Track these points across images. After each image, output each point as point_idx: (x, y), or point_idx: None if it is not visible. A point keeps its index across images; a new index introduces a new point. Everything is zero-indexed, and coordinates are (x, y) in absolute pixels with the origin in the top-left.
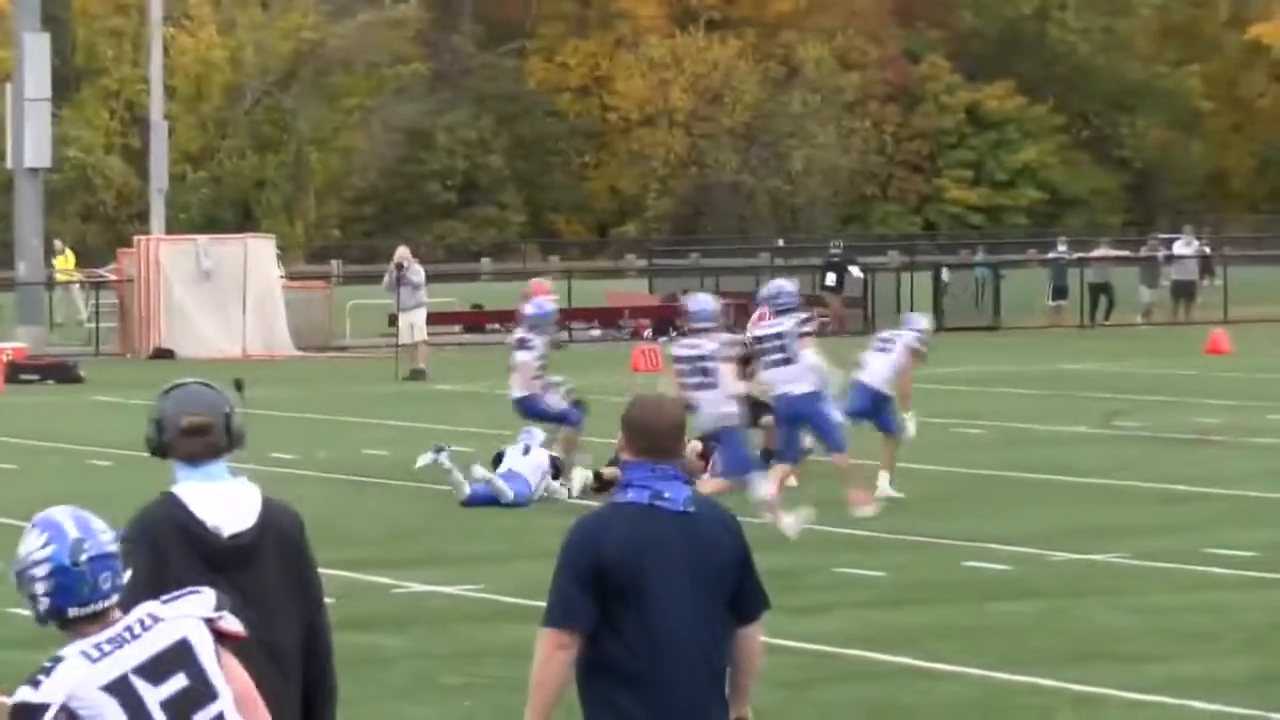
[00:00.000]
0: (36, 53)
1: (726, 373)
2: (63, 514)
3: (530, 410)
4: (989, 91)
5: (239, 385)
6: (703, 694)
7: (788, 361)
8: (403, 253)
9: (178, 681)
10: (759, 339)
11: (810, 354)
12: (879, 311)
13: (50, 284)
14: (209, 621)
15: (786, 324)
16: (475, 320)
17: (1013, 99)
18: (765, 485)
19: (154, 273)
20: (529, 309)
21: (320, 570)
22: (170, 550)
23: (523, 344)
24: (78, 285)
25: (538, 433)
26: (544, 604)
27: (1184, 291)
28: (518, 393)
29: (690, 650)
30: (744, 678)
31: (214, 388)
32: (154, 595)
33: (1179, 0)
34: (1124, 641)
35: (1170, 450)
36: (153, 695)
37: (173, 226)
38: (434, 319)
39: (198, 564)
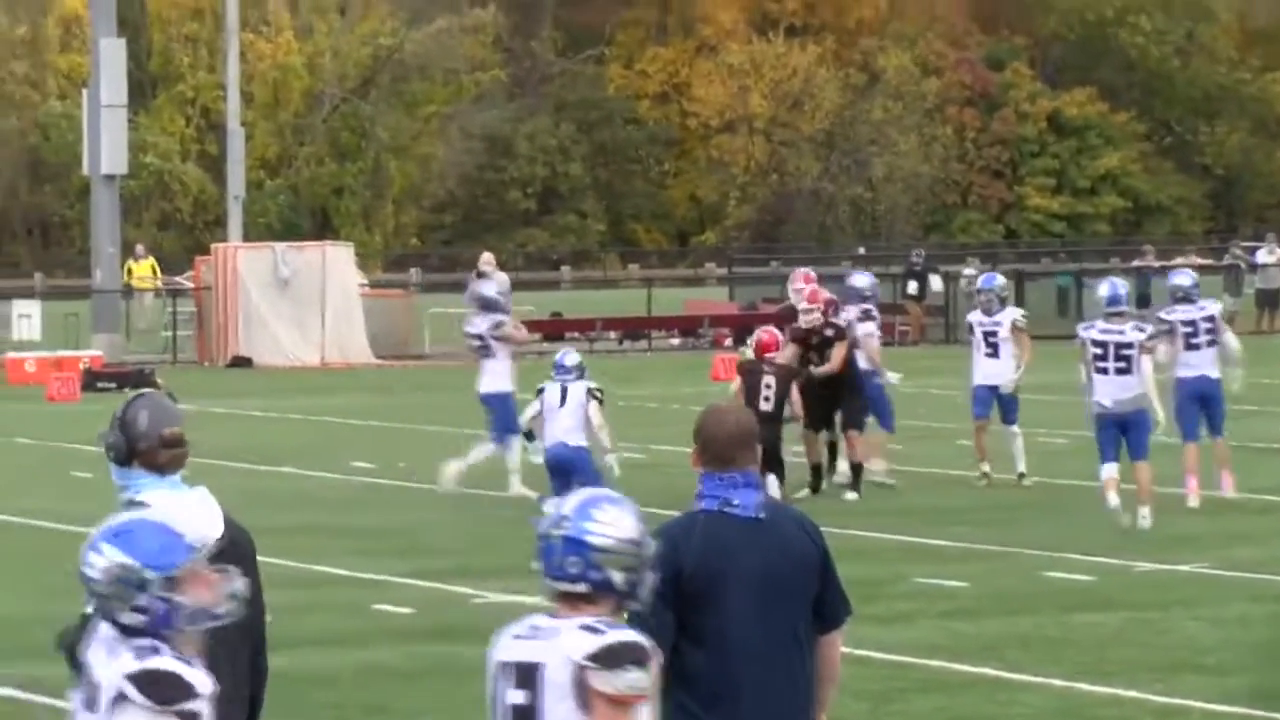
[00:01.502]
0: (112, 59)
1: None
2: None
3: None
4: (1070, 98)
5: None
6: (781, 703)
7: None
8: (486, 258)
9: None
10: None
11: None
12: (960, 320)
13: (127, 292)
14: None
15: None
16: (555, 328)
17: (1094, 105)
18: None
19: (232, 280)
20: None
21: (399, 580)
22: None
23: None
24: (152, 293)
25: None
26: None
27: (1267, 300)
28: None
29: (766, 658)
30: (824, 687)
31: (174, 398)
32: None
33: (1262, 5)
34: (1207, 653)
35: (1254, 459)
36: None
37: (250, 234)
38: None
39: None
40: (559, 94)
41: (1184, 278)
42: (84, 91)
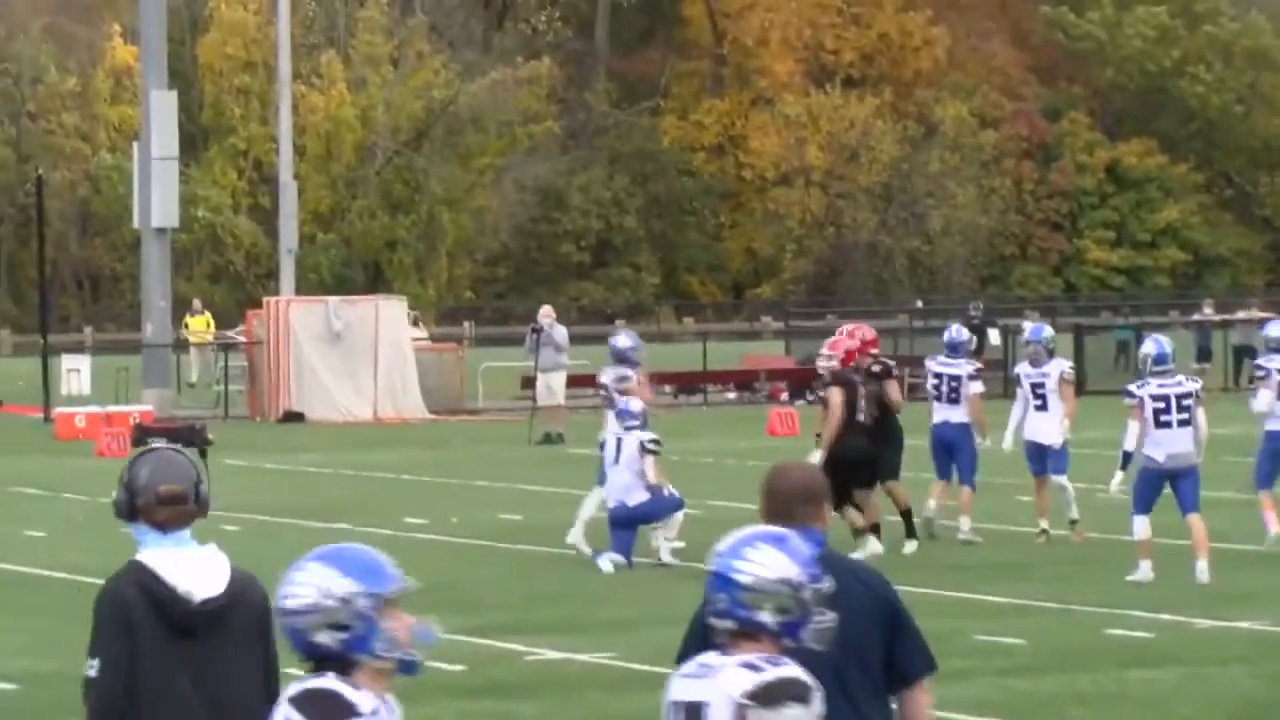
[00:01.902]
0: (163, 111)
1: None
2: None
3: None
4: (1128, 149)
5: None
6: None
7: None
8: (545, 311)
9: None
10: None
11: None
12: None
13: (178, 346)
14: None
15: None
16: (580, 382)
17: (1153, 157)
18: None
19: (284, 334)
20: None
21: (450, 636)
22: (139, 619)
23: None
24: (210, 347)
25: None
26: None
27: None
28: None
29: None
30: None
31: (185, 454)
32: (124, 664)
33: None
34: (1267, 711)
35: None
36: None
37: (302, 287)
38: (568, 382)
39: (165, 630)
40: (613, 146)
41: (1277, 328)
42: (135, 144)
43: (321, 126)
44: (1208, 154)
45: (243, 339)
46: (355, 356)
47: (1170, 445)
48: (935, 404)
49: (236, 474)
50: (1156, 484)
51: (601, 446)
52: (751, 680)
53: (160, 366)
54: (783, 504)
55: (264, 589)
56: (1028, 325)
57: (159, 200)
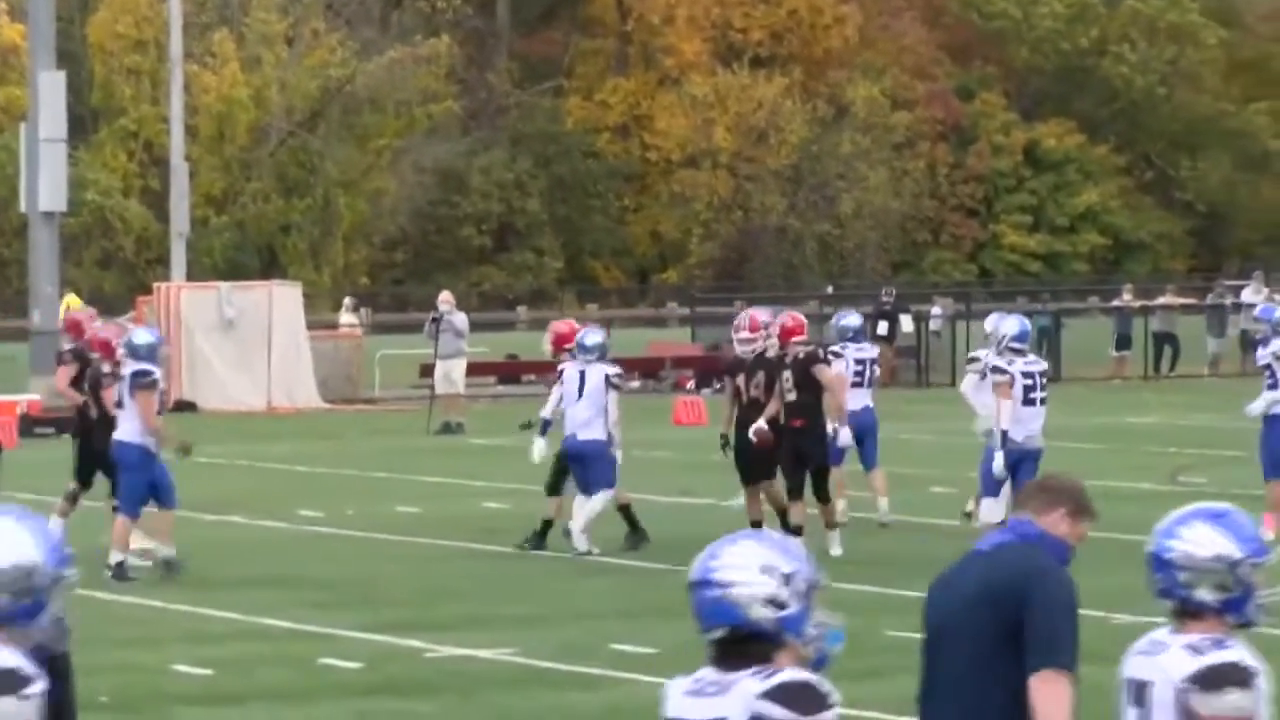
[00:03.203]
0: (51, 92)
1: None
2: None
3: None
4: (1046, 130)
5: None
6: None
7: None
8: (445, 297)
9: None
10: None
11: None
12: (930, 362)
13: None
14: None
15: None
16: (511, 371)
17: (1072, 138)
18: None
19: (175, 322)
20: None
21: (349, 633)
22: None
23: None
24: None
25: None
26: (580, 669)
27: (1254, 341)
28: None
29: (934, 694)
30: None
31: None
32: None
33: (1250, 35)
34: None
35: (1239, 507)
36: None
37: (194, 273)
38: (468, 370)
39: None
40: (515, 127)
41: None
42: (22, 125)
43: (214, 107)
44: (1129, 135)
45: (133, 326)
46: (248, 344)
47: (1031, 424)
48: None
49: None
50: (1012, 465)
51: (560, 375)
52: (1193, 664)
53: (48, 355)
54: (1023, 496)
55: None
56: (936, 311)
57: (47, 183)
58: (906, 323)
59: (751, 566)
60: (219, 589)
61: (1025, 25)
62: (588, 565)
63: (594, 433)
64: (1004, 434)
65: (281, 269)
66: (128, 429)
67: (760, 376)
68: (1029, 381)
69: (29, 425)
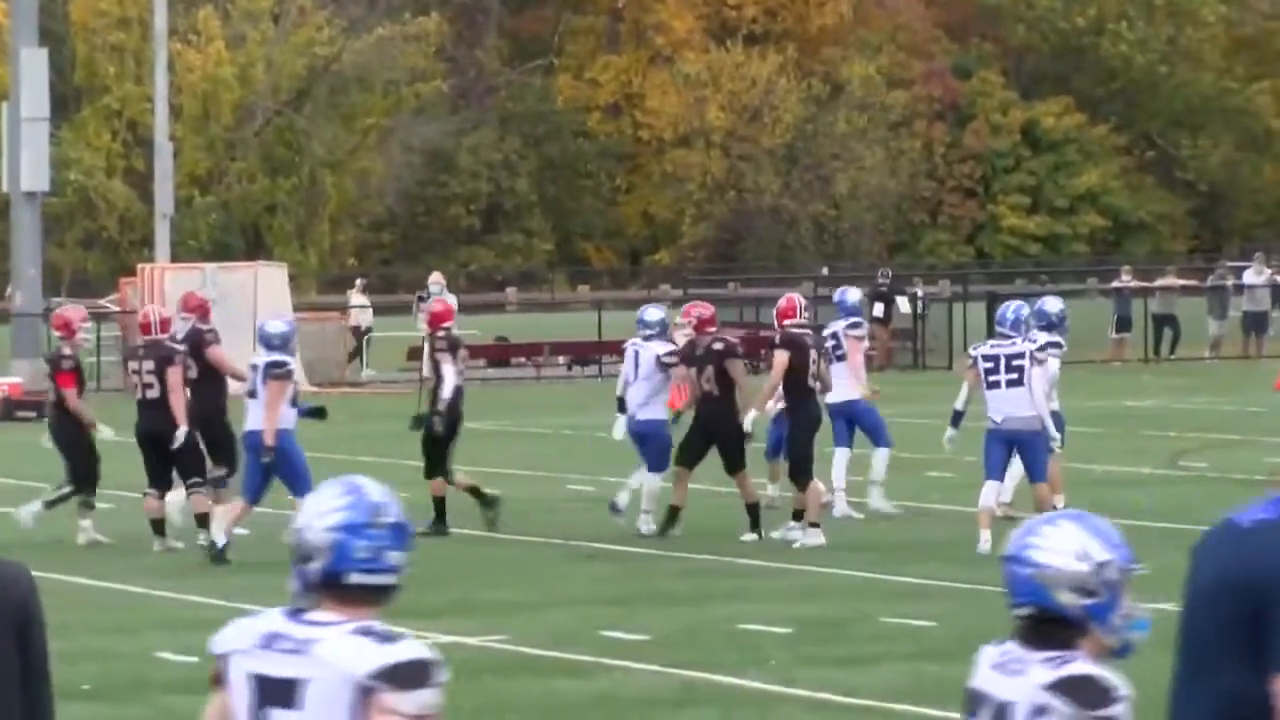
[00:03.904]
0: (34, 70)
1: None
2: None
3: None
4: (1045, 108)
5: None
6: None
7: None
8: (435, 278)
9: None
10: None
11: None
12: (929, 345)
13: (49, 315)
14: None
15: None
16: (500, 354)
17: (1071, 117)
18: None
19: (159, 303)
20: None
21: None
22: None
23: None
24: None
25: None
26: (570, 656)
27: (1254, 323)
28: None
29: (1182, 677)
30: None
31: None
32: None
33: (1250, 12)
34: None
35: (1239, 492)
36: None
37: (179, 254)
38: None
39: None
40: (505, 106)
41: None
42: (3, 104)
43: (199, 86)
44: (1129, 115)
45: (116, 308)
46: (233, 326)
47: (1001, 406)
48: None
49: (110, 450)
50: (999, 447)
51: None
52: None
53: (30, 337)
54: None
55: (30, 582)
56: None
57: (29, 163)
58: (903, 304)
59: (1067, 550)
60: (202, 575)
61: (1023, 3)
62: (578, 551)
63: (650, 412)
64: (956, 414)
65: (267, 250)
66: (258, 418)
67: (710, 370)
68: (989, 365)
69: (10, 409)
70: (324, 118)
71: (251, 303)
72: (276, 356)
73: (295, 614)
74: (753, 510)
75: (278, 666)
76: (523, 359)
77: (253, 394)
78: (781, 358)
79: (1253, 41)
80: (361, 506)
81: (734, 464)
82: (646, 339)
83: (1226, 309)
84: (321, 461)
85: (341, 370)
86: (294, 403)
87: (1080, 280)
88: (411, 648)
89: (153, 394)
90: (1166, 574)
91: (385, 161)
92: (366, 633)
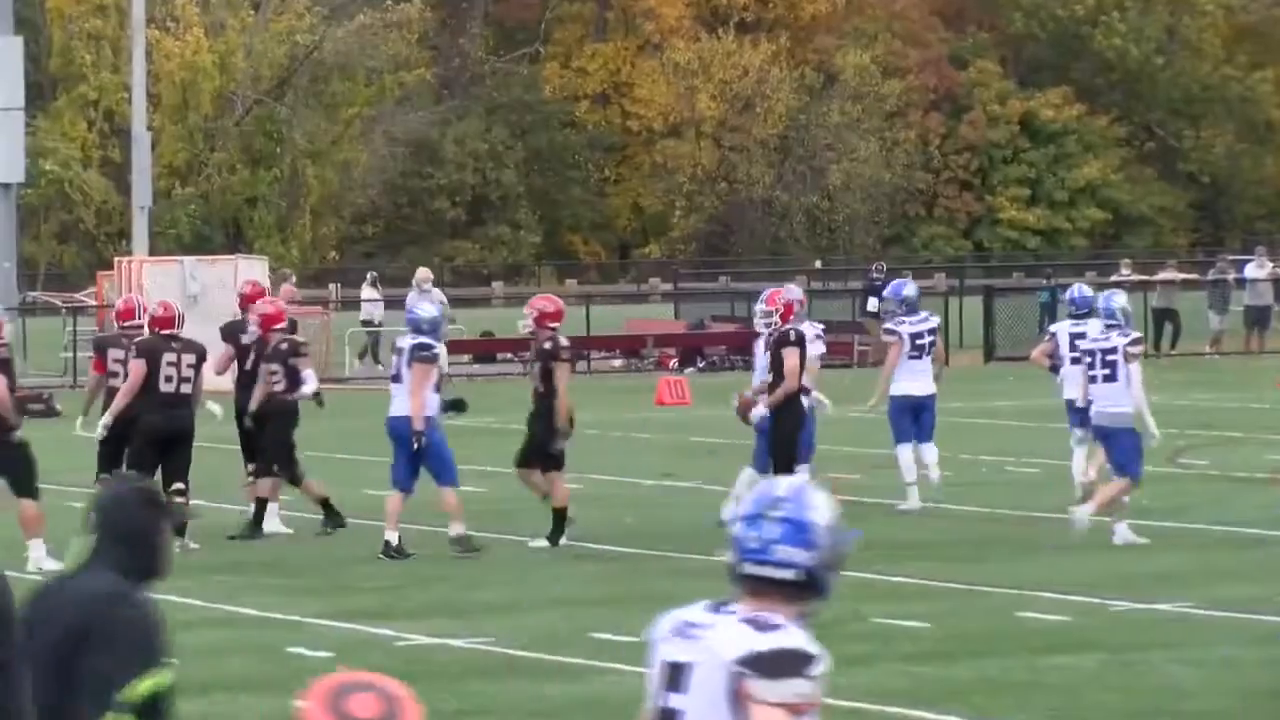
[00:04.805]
0: (8, 58)
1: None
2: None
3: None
4: (1044, 99)
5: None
6: None
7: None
8: (424, 274)
9: None
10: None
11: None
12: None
13: (26, 310)
14: None
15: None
16: (485, 349)
17: (1070, 108)
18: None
19: (136, 297)
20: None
21: (317, 620)
22: None
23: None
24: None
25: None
26: (559, 658)
27: (1257, 318)
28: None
29: None
30: None
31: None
32: None
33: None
34: (1190, 698)
35: (1241, 490)
36: None
37: (157, 247)
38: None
39: None
40: (490, 95)
41: None
42: None
43: (177, 74)
44: (1128, 105)
45: (93, 302)
46: (213, 321)
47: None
48: None
49: (86, 446)
50: (909, 413)
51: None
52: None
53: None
54: None
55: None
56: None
57: (3, 154)
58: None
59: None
60: (183, 574)
61: None
62: (566, 551)
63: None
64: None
65: (247, 243)
66: (403, 404)
67: (537, 368)
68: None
69: None
70: (305, 107)
71: (232, 297)
72: (423, 340)
73: (717, 605)
74: (558, 515)
75: (679, 652)
76: (509, 354)
77: (396, 378)
78: (794, 356)
79: (1255, 30)
80: (765, 499)
81: (546, 464)
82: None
83: (1228, 304)
84: (304, 460)
85: (323, 366)
86: (438, 389)
87: (1079, 274)
88: (786, 637)
89: (186, 389)
90: (1168, 574)
91: (368, 152)
92: (751, 621)
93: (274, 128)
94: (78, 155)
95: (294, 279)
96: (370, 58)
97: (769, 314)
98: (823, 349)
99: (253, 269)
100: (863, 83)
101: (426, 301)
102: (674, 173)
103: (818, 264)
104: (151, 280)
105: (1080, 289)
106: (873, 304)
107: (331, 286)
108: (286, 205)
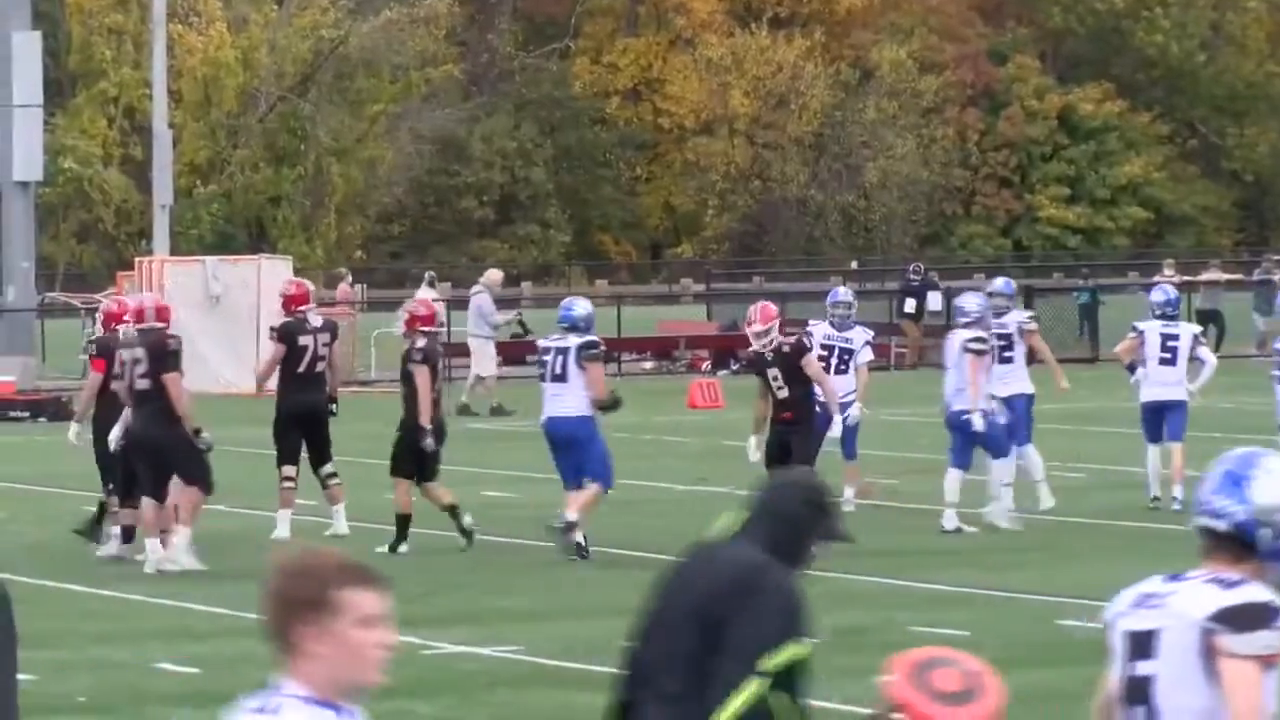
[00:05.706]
0: (27, 54)
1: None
2: None
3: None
4: (1083, 94)
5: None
6: None
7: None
8: (495, 276)
9: None
10: None
11: None
12: None
13: (44, 311)
14: None
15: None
16: (515, 350)
17: (1111, 104)
18: None
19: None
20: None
21: None
22: None
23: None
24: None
25: None
26: (588, 667)
27: None
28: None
29: None
30: None
31: None
32: None
33: None
34: None
35: None
36: None
37: (179, 246)
38: (467, 350)
39: None
40: (519, 91)
41: None
42: None
43: (199, 70)
44: (1170, 101)
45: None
46: (236, 322)
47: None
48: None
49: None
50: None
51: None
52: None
53: (23, 333)
54: None
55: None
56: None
57: (22, 152)
58: (935, 300)
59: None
60: (203, 582)
61: None
62: (596, 557)
63: (964, 401)
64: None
65: (271, 242)
66: (566, 403)
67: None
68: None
69: (2, 409)
70: (330, 104)
71: (255, 298)
72: (587, 337)
73: (1173, 576)
74: (452, 511)
75: (1143, 621)
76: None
77: (559, 378)
78: (815, 360)
79: None
80: (1226, 458)
81: (422, 474)
82: (964, 325)
83: (1273, 305)
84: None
85: (349, 368)
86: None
87: (1121, 274)
88: (1251, 592)
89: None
90: None
91: (394, 150)
92: (1214, 580)
93: (298, 125)
94: (97, 153)
95: (350, 279)
96: (397, 53)
97: (765, 332)
98: (870, 355)
99: (276, 269)
100: (899, 79)
101: (580, 300)
102: (706, 171)
103: (854, 264)
104: (173, 280)
105: (1165, 289)
106: (909, 305)
107: (357, 287)
108: (311, 204)
